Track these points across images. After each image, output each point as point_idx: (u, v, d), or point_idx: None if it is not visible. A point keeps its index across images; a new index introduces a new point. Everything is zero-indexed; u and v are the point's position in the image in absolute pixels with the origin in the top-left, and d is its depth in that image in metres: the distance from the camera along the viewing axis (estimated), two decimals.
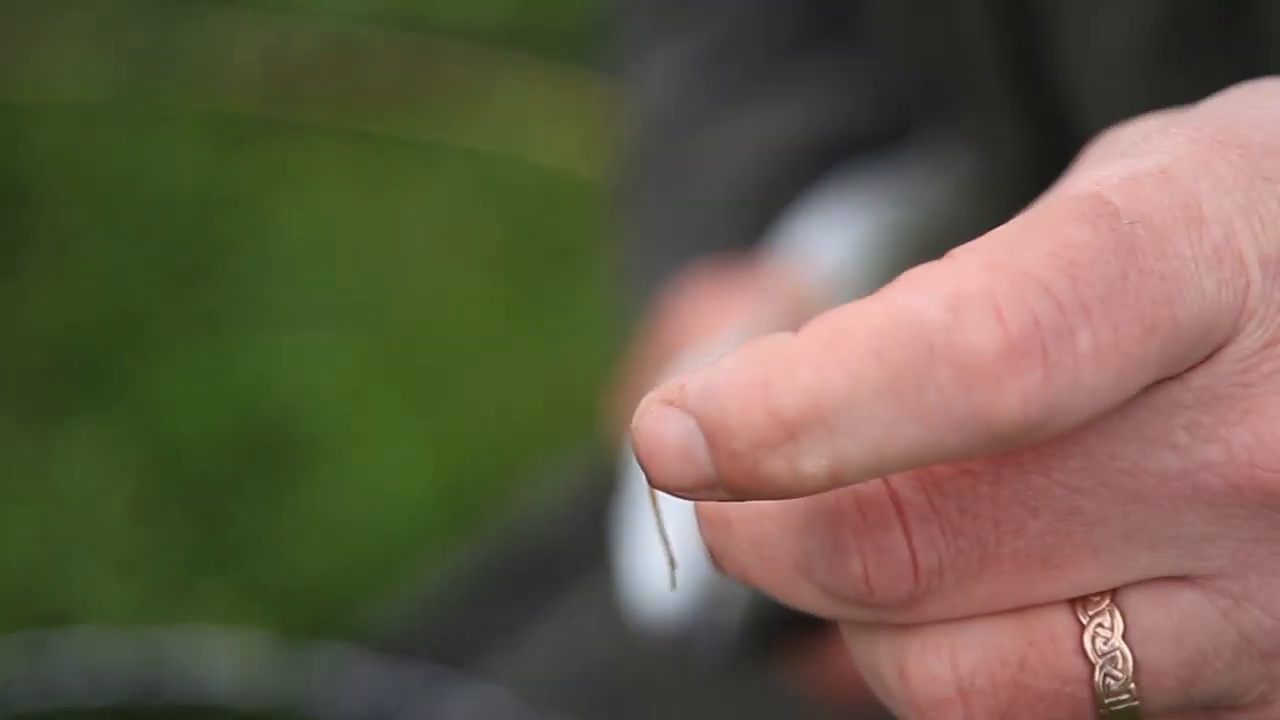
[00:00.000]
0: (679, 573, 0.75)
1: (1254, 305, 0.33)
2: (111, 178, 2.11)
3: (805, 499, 0.34)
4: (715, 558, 0.36)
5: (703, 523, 0.36)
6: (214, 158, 2.14)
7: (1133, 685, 0.35)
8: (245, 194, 2.09)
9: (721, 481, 0.32)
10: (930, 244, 0.80)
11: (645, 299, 0.89)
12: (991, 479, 0.34)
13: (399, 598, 1.16)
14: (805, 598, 0.35)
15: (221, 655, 1.07)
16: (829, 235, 0.81)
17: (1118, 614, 0.35)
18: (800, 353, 0.31)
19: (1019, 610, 0.35)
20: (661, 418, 0.32)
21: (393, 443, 1.77)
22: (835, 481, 0.31)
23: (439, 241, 2.03)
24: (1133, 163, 0.34)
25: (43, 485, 1.70)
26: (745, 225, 0.86)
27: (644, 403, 0.33)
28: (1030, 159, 0.75)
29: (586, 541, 0.94)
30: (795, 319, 0.77)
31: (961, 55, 0.74)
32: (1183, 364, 0.33)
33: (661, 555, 0.74)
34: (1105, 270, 0.31)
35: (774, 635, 0.73)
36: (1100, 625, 0.35)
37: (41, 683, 1.07)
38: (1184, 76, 0.63)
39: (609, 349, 1.78)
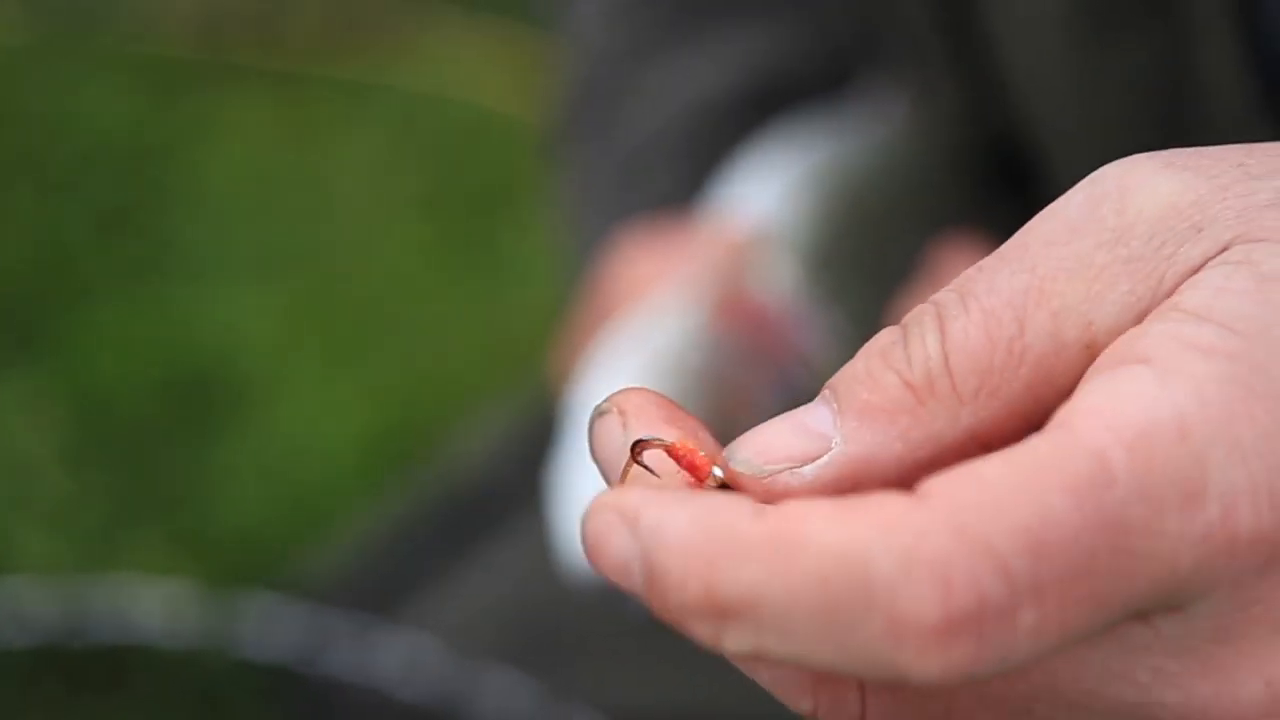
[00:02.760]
0: None
1: (1232, 578, 0.33)
2: (38, 126, 2.09)
3: None
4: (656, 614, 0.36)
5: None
6: (142, 105, 2.12)
7: None
8: (173, 141, 2.08)
9: (648, 604, 0.34)
10: (869, 194, 0.80)
11: (583, 252, 0.89)
12: None
13: (328, 546, 1.16)
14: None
15: (149, 601, 1.07)
16: (766, 186, 0.81)
17: None
18: (754, 547, 0.32)
19: None
20: (610, 529, 0.34)
21: (322, 391, 1.76)
22: (754, 659, 0.33)
23: (368, 187, 2.02)
24: (1152, 401, 0.33)
25: None
26: (681, 175, 0.86)
27: (599, 501, 0.34)
28: (964, 108, 0.75)
29: (517, 489, 0.94)
30: (731, 274, 0.77)
31: (893, 10, 0.74)
32: (1145, 613, 0.33)
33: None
34: (1073, 552, 0.32)
35: None
36: None
37: None
38: (1105, 40, 0.63)
39: (541, 295, 1.78)
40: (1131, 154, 0.37)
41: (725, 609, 0.32)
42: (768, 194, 0.81)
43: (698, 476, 0.37)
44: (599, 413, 0.39)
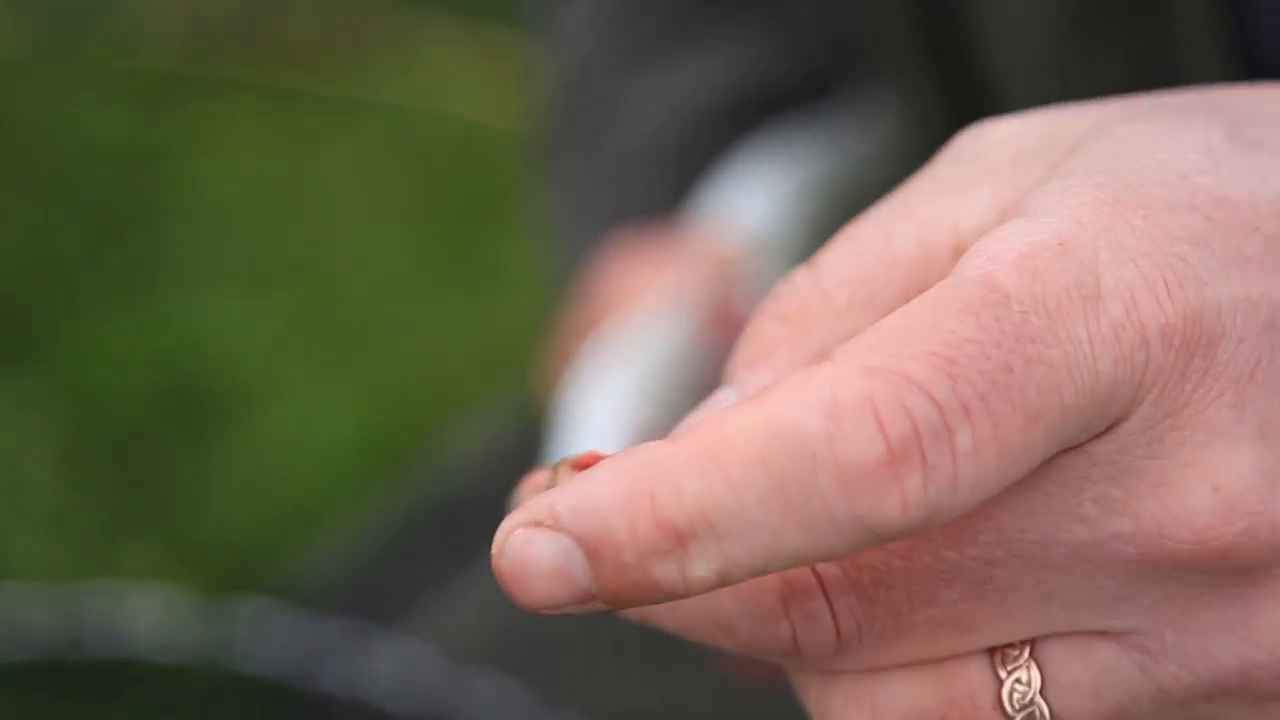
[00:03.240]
0: None
1: (1153, 377, 0.33)
2: (30, 136, 2.09)
3: None
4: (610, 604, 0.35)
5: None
6: (134, 115, 2.12)
7: None
8: (166, 151, 2.08)
9: (601, 593, 0.32)
10: (854, 202, 0.80)
11: (569, 262, 0.89)
12: (904, 554, 0.34)
13: (322, 552, 1.16)
14: (728, 647, 0.36)
15: (144, 610, 1.07)
16: (752, 195, 0.81)
17: (1034, 668, 0.35)
18: (684, 463, 0.31)
19: (938, 663, 0.35)
20: (530, 540, 0.32)
21: (316, 398, 1.76)
22: (723, 583, 0.32)
23: (360, 197, 2.03)
24: (1029, 231, 0.34)
25: None
26: (668, 184, 0.86)
27: (506, 527, 0.32)
28: (948, 118, 0.75)
29: (511, 495, 0.94)
30: (718, 284, 0.77)
31: (874, 17, 0.75)
32: (1079, 439, 0.33)
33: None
34: (986, 366, 0.31)
35: None
36: (1018, 681, 0.35)
37: None
38: (1093, 45, 0.63)
39: (531, 302, 1.79)
40: None
41: (681, 533, 0.31)
42: (756, 204, 0.81)
43: None
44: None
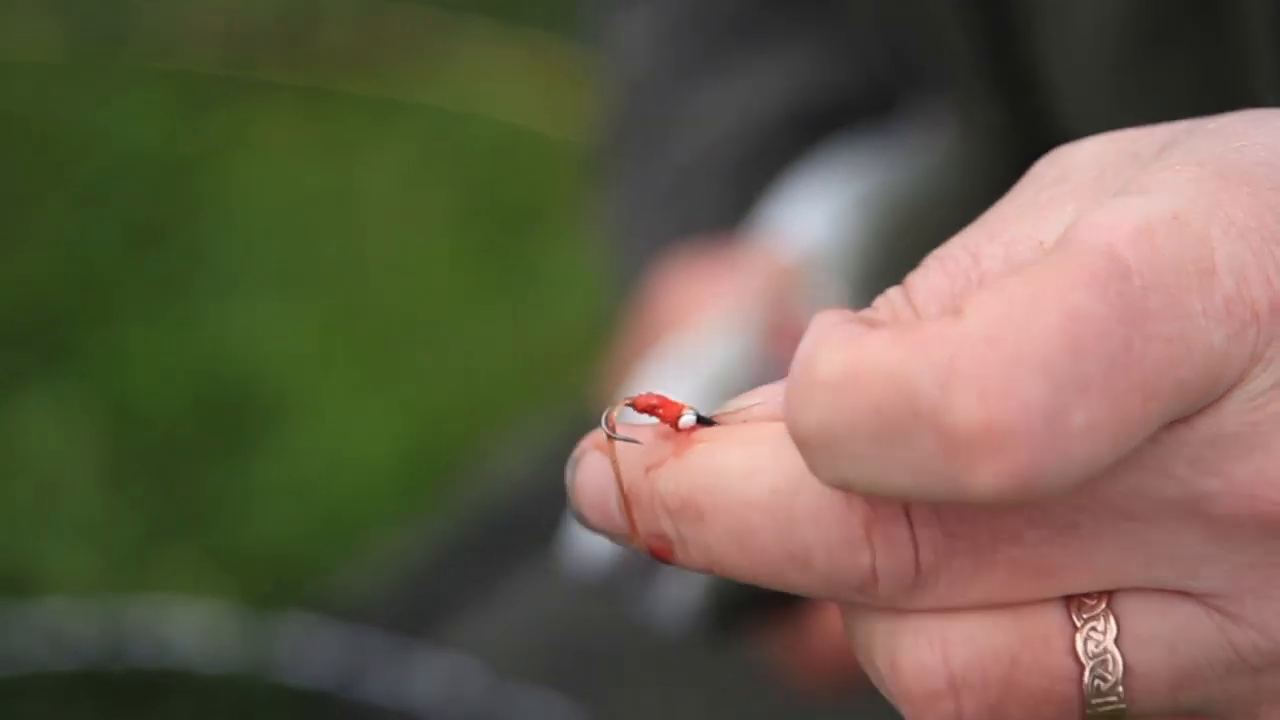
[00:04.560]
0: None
1: (1262, 350, 0.34)
2: (70, 141, 2.09)
3: (811, 493, 0.35)
4: (670, 549, 0.37)
5: (659, 514, 0.37)
6: (173, 120, 2.12)
7: (1121, 688, 0.35)
8: (204, 157, 2.08)
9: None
10: (916, 218, 0.80)
11: (629, 274, 0.89)
12: None
13: (363, 564, 1.16)
14: (793, 585, 0.36)
15: (186, 622, 1.07)
16: (812, 210, 0.81)
17: (1112, 619, 0.35)
18: (821, 382, 0.33)
19: (1013, 608, 0.36)
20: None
21: (354, 407, 1.76)
22: (844, 486, 0.34)
23: (399, 202, 2.03)
24: (1142, 204, 0.34)
25: (3, 453, 1.69)
26: (727, 197, 0.86)
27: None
28: (1007, 132, 0.74)
29: (553, 508, 0.94)
30: (778, 298, 0.76)
31: (934, 35, 0.74)
32: (1188, 412, 0.34)
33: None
34: (1109, 344, 0.32)
35: (739, 612, 0.73)
36: (1094, 629, 0.35)
37: (5, 650, 1.07)
38: (1155, 62, 0.63)
39: (573, 311, 1.78)
40: None
41: (806, 440, 0.33)
42: (815, 218, 0.80)
43: (671, 418, 0.38)
44: (574, 461, 0.39)
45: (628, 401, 0.38)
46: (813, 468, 0.34)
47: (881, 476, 0.33)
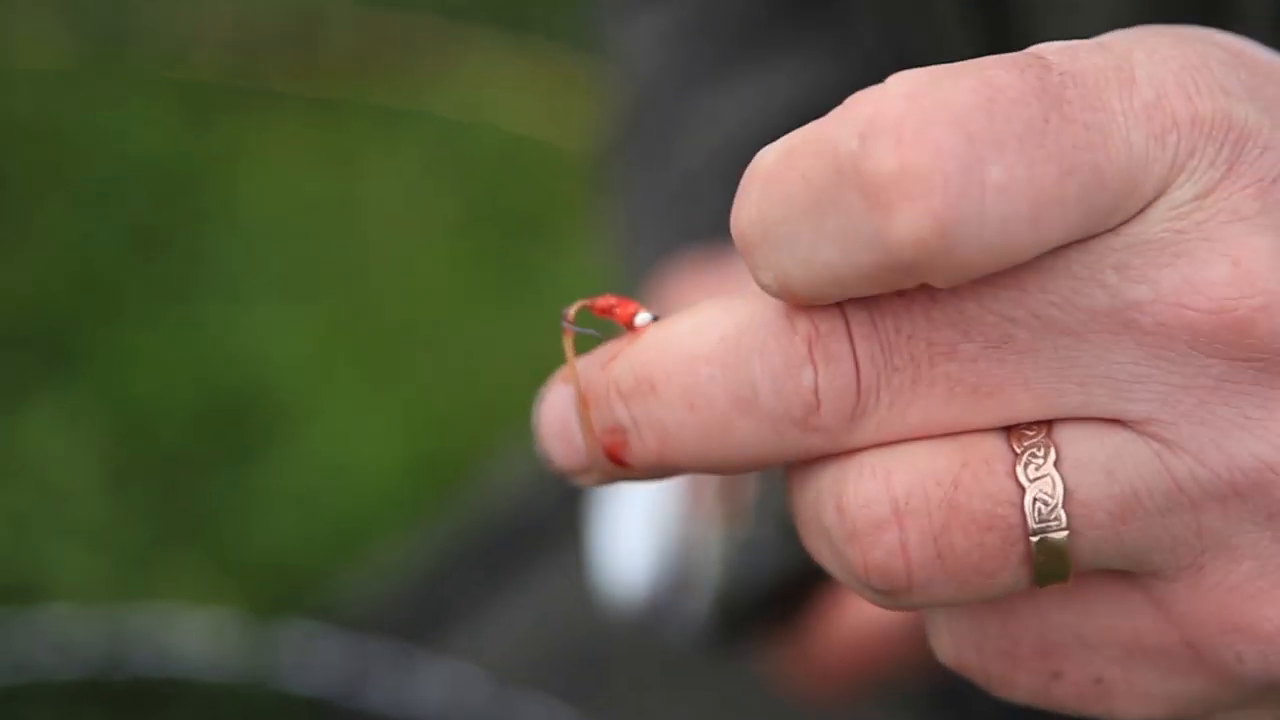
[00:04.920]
0: (646, 558, 0.75)
1: (1184, 160, 0.34)
2: (75, 147, 2.10)
3: (758, 327, 0.36)
4: (624, 442, 0.38)
5: (614, 403, 0.37)
6: (179, 127, 2.13)
7: (1062, 513, 0.36)
8: (210, 164, 2.09)
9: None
10: None
11: (635, 278, 0.89)
12: (926, 302, 0.35)
13: (367, 572, 1.16)
14: (741, 439, 0.37)
15: (189, 630, 1.07)
16: None
17: (1051, 447, 0.36)
18: (757, 173, 0.35)
19: (954, 436, 0.36)
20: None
21: (360, 414, 1.77)
22: (782, 290, 0.35)
23: (404, 210, 2.03)
24: (1071, 41, 0.35)
25: (8, 458, 1.69)
26: (731, 204, 0.86)
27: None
28: None
29: (557, 516, 0.94)
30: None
31: (937, 36, 0.74)
32: (1111, 217, 0.34)
33: (632, 538, 0.74)
34: (1026, 111, 0.33)
35: (745, 622, 0.73)
36: (1033, 454, 0.36)
37: (9, 657, 1.07)
38: None
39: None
40: None
41: (745, 240, 0.35)
42: None
43: (627, 318, 0.38)
44: (539, 401, 0.40)
45: (586, 302, 0.39)
46: (754, 271, 0.35)
47: (814, 255, 0.34)
